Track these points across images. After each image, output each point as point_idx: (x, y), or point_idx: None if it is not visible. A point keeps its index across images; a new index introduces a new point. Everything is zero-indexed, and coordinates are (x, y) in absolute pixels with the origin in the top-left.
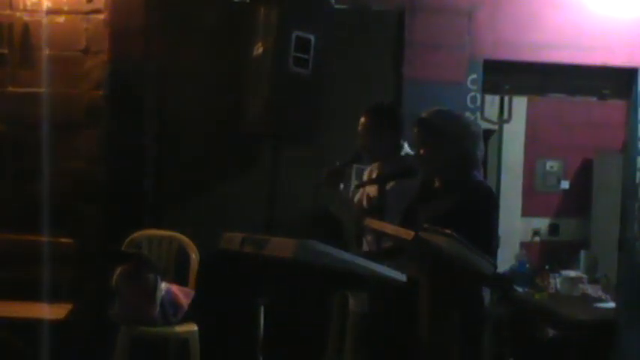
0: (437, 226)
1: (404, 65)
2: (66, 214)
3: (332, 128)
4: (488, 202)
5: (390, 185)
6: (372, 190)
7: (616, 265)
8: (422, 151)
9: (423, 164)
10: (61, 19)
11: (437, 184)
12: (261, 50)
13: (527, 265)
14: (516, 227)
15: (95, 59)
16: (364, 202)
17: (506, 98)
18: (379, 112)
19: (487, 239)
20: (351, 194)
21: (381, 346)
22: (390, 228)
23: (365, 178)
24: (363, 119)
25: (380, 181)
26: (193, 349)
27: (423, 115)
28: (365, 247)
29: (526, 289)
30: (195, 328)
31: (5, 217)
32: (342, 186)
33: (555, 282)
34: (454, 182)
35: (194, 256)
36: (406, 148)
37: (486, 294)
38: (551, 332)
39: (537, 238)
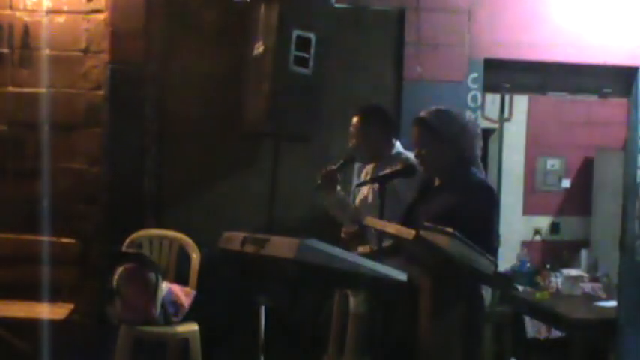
0: (438, 225)
1: (404, 64)
2: (66, 214)
3: (332, 128)
4: (488, 200)
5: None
6: (365, 190)
7: (617, 263)
8: (421, 151)
9: (422, 163)
10: (61, 19)
11: (436, 182)
12: (261, 49)
13: (528, 264)
14: (517, 226)
15: (95, 59)
16: (357, 202)
17: (506, 97)
18: (367, 113)
19: (487, 237)
20: (353, 194)
21: (382, 345)
22: (391, 227)
23: (362, 178)
24: (354, 121)
25: (380, 180)
26: (194, 348)
27: (421, 114)
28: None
29: (527, 288)
30: (195, 327)
31: (6, 217)
32: (338, 188)
33: (556, 281)
34: (453, 180)
35: (195, 256)
36: (398, 147)
37: (487, 293)
38: (552, 331)
39: (538, 237)
